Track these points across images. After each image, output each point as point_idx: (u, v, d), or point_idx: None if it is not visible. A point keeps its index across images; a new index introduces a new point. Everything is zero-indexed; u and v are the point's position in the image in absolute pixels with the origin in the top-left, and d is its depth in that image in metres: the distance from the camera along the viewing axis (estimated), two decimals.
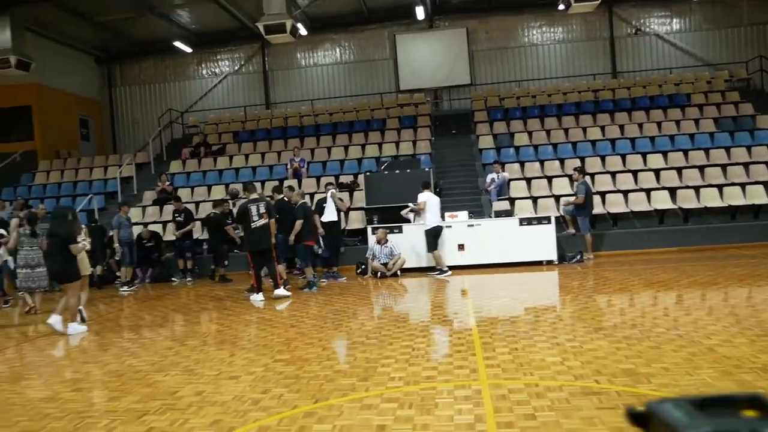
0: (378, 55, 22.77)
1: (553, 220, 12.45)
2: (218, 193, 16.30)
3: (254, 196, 10.07)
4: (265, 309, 9.29)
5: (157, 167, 18.98)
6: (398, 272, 11.98)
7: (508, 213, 12.94)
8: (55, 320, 8.01)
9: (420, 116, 19.82)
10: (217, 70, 23.70)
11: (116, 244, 12.76)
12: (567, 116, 18.65)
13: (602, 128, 17.66)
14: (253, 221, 9.72)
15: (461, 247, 12.43)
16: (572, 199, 13.20)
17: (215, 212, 13.09)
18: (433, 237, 11.64)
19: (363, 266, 12.53)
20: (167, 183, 16.79)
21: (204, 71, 23.77)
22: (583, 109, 19.04)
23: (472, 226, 12.53)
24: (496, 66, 22.36)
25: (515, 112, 19.58)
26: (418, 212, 12.49)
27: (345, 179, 16.05)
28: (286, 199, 11.23)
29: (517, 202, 14.42)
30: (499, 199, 14.42)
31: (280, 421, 4.18)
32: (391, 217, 12.93)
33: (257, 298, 9.75)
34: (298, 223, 10.53)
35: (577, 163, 15.49)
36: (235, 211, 11.26)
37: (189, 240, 13.67)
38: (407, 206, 12.35)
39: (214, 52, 23.55)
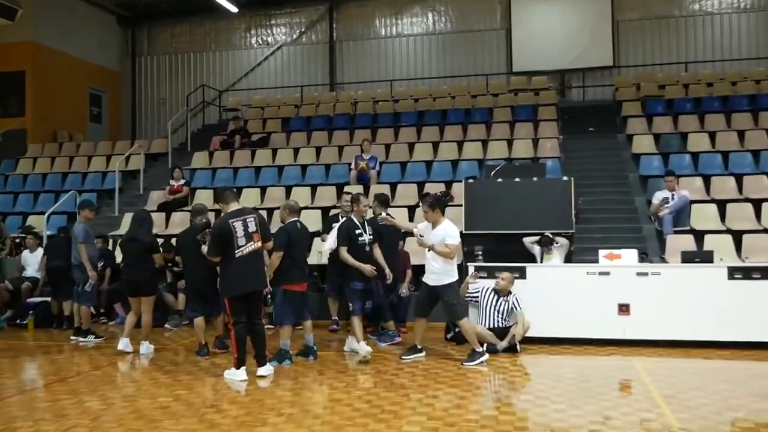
0: (484, 24, 20.18)
1: None
2: (251, 199, 13.08)
3: (234, 206, 7.23)
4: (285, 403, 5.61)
5: (177, 160, 16.26)
6: (518, 345, 8.15)
7: (706, 257, 8.87)
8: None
9: (542, 106, 16.53)
10: (269, 39, 21.68)
11: (89, 268, 9.28)
12: (764, 111, 14.65)
13: None
14: (239, 247, 6.95)
15: (624, 308, 8.58)
16: None
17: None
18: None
19: (457, 329, 8.82)
20: (182, 182, 13.84)
21: (253, 39, 21.85)
22: None
23: (645, 275, 8.62)
24: (650, 42, 19.11)
25: (683, 104, 15.92)
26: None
27: (433, 188, 12.52)
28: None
29: (706, 237, 10.43)
30: (675, 231, 10.64)
31: None
32: (503, 250, 9.46)
33: (237, 377, 6.91)
34: (275, 257, 7.56)
35: None
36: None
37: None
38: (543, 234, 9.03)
39: (268, 16, 21.62)
